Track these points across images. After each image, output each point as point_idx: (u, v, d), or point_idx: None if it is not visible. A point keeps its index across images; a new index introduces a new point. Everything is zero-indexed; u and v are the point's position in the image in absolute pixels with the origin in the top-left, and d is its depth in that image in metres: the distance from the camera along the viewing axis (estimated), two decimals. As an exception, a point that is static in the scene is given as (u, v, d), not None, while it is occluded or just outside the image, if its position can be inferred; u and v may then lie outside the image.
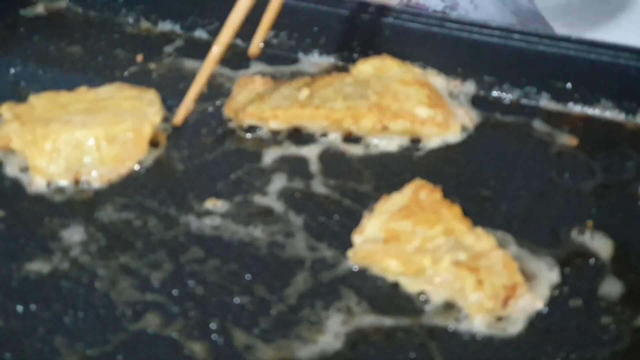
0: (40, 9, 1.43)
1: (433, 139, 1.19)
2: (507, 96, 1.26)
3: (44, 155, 1.11)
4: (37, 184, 1.12)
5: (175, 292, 1.01)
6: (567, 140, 1.19)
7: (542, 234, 1.07)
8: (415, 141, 1.20)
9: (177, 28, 1.39)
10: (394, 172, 1.16)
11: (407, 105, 1.19)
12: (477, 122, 1.22)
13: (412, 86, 1.21)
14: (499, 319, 0.98)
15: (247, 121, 1.22)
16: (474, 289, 0.98)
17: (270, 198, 1.12)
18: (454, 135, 1.19)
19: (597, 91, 1.22)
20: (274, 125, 1.20)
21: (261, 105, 1.21)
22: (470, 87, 1.26)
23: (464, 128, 1.20)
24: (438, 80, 1.26)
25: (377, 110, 1.18)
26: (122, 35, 1.40)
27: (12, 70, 1.32)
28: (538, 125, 1.22)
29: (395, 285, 1.02)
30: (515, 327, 0.97)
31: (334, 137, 1.20)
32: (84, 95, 1.21)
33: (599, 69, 1.21)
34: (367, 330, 0.97)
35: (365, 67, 1.25)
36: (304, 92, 1.21)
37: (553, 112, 1.23)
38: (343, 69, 1.31)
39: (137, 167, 1.16)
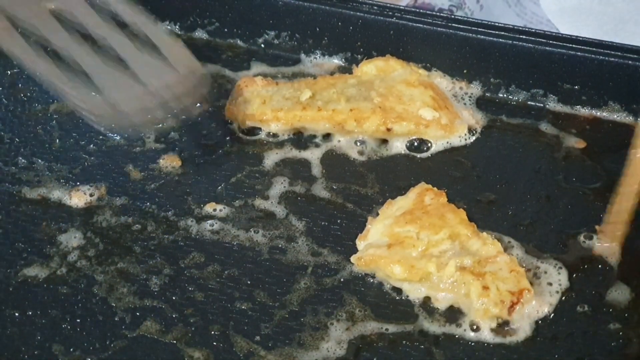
0: (37, 9, 1.42)
1: (438, 142, 1.18)
2: (514, 98, 1.24)
3: None
4: None
5: (175, 297, 1.00)
6: (575, 143, 1.18)
7: (549, 239, 1.06)
8: (420, 143, 1.18)
9: (176, 29, 1.38)
10: (398, 176, 1.15)
11: (412, 107, 1.18)
12: (483, 124, 1.21)
13: (417, 88, 1.20)
14: (506, 324, 0.97)
15: (248, 123, 1.20)
16: (479, 295, 0.97)
17: (271, 202, 1.11)
18: (459, 138, 1.18)
19: (605, 93, 1.21)
20: (275, 127, 1.19)
21: (262, 107, 1.20)
22: (476, 88, 1.25)
23: (470, 130, 1.19)
24: (443, 82, 1.25)
25: (381, 112, 1.16)
26: (121, 36, 1.38)
27: (9, 72, 1.30)
28: (545, 127, 1.20)
29: (400, 291, 1.01)
30: (521, 333, 0.96)
31: (337, 140, 1.19)
32: None
33: (607, 70, 1.19)
34: (370, 337, 0.97)
35: (369, 68, 1.24)
36: (306, 94, 1.20)
37: (560, 115, 1.22)
38: (346, 70, 1.29)
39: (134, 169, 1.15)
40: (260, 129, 1.21)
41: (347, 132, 1.18)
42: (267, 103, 1.20)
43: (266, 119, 1.19)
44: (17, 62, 1.10)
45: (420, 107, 1.17)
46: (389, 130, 1.16)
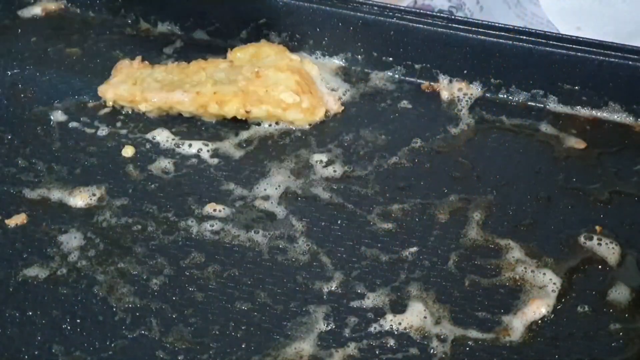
0: (37, 10, 1.42)
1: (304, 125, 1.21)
2: (514, 98, 1.25)
3: None
4: None
5: (175, 297, 1.00)
6: (575, 143, 1.18)
7: (549, 239, 1.06)
8: (420, 143, 1.18)
9: (176, 29, 1.38)
10: (398, 176, 1.14)
11: (274, 91, 1.20)
12: (482, 124, 1.21)
13: (284, 73, 1.22)
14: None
15: (120, 103, 1.24)
16: None
17: (271, 202, 1.11)
18: (319, 118, 1.21)
19: (605, 93, 1.21)
20: (144, 107, 1.22)
21: (133, 88, 1.23)
22: (476, 89, 1.25)
23: (328, 115, 1.22)
24: (314, 68, 1.27)
25: (242, 95, 1.19)
26: (121, 37, 1.38)
27: (9, 72, 1.30)
28: (545, 128, 1.20)
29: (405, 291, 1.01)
30: (522, 333, 0.96)
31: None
32: None
33: (607, 70, 1.20)
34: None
35: (242, 54, 1.27)
36: (176, 76, 1.23)
37: (560, 115, 1.22)
38: (347, 71, 1.29)
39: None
40: (132, 109, 1.23)
41: (211, 115, 1.21)
42: (138, 84, 1.23)
43: (136, 100, 1.22)
44: None
45: (282, 91, 1.20)
46: (248, 112, 1.19)
